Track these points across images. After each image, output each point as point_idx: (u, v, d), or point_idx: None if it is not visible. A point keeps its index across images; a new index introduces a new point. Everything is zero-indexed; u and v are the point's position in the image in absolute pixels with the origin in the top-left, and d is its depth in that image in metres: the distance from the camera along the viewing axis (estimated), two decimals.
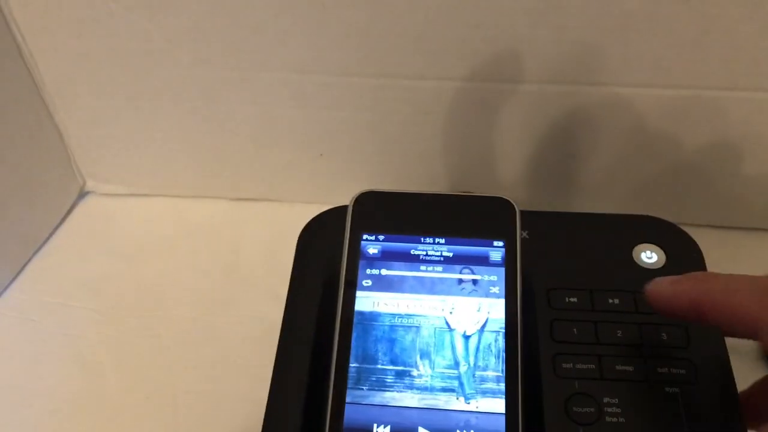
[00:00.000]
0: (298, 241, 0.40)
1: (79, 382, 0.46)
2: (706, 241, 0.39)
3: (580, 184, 0.50)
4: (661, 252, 0.38)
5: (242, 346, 0.47)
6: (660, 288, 0.31)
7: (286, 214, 0.43)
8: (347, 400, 0.32)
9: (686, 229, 0.39)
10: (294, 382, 0.34)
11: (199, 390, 0.45)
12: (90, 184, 0.57)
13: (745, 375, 0.44)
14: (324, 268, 0.37)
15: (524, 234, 0.38)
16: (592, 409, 0.32)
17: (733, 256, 0.50)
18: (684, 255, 0.38)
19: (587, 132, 0.47)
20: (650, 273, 0.37)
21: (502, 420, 0.31)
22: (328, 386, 0.32)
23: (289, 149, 0.52)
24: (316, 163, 0.52)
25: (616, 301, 0.36)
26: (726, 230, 0.52)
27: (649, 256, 0.38)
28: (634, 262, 0.38)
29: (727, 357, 0.34)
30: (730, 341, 0.44)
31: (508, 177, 0.49)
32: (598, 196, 0.50)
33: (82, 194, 0.57)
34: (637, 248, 0.38)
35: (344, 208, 0.36)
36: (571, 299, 0.36)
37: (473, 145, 0.48)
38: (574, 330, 0.35)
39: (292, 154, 0.52)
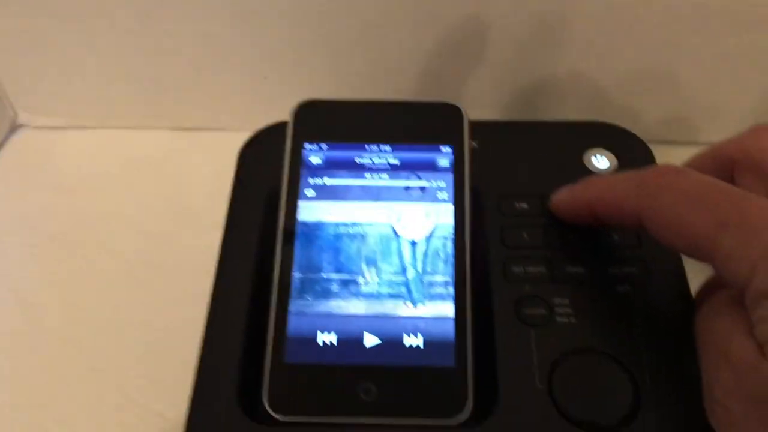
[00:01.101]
0: (238, 157, 0.38)
1: (18, 319, 0.44)
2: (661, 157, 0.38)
3: (535, 95, 0.48)
4: (612, 156, 0.37)
5: (188, 277, 0.45)
6: (560, 197, 0.33)
7: (231, 142, 0.41)
8: (291, 310, 0.31)
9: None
10: (235, 295, 0.32)
11: (144, 322, 0.44)
12: (23, 117, 0.54)
13: (697, 275, 0.45)
14: (266, 183, 0.36)
15: (474, 144, 0.37)
16: (543, 311, 0.31)
17: None
18: (635, 158, 0.37)
19: (543, 41, 0.46)
20: None
21: (451, 323, 0.31)
22: (271, 297, 0.31)
23: (231, 72, 0.49)
24: (261, 86, 0.49)
25: None
26: (680, 146, 0.52)
27: (599, 160, 0.37)
28: (585, 167, 0.37)
29: (680, 255, 0.34)
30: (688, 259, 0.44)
31: (459, 90, 0.48)
32: (552, 107, 0.49)
33: (15, 128, 0.54)
34: (587, 153, 0.37)
35: (287, 123, 0.35)
36: (522, 205, 0.35)
37: (423, 60, 0.47)
38: (525, 235, 0.34)
39: (234, 78, 0.49)
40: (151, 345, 0.43)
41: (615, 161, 0.37)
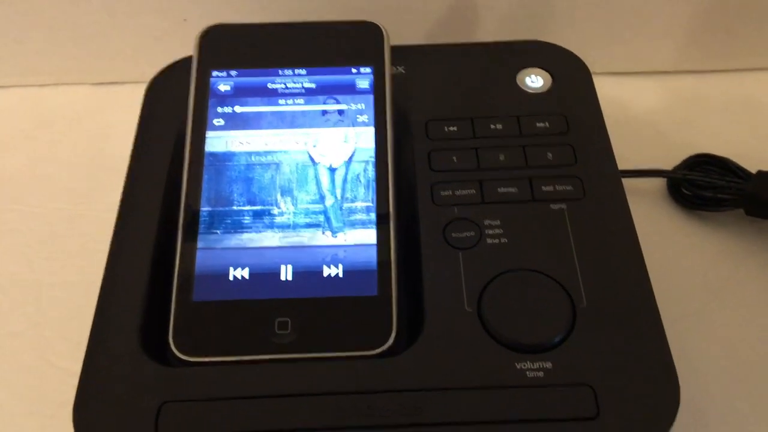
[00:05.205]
0: (145, 94, 0.35)
1: None
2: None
3: (468, 13, 0.45)
4: (547, 75, 0.35)
5: (110, 235, 0.42)
6: None
7: None
8: (199, 246, 0.29)
9: None
10: (139, 234, 0.30)
11: (63, 282, 0.41)
12: None
13: (650, 214, 0.43)
14: (175, 121, 0.33)
15: (401, 69, 0.35)
16: (472, 233, 0.29)
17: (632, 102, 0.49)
18: (571, 76, 0.35)
19: None
20: (535, 97, 0.34)
21: (373, 251, 0.28)
22: (177, 234, 0.29)
23: (148, 17, 0.46)
24: (181, 30, 0.46)
25: (499, 126, 0.33)
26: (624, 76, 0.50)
27: (534, 80, 0.35)
28: (519, 88, 0.34)
29: (617, 171, 0.32)
30: (634, 182, 0.42)
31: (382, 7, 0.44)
32: (489, 28, 0.46)
33: None
34: (521, 74, 0.35)
35: None
36: (451, 128, 0.33)
37: None
38: (454, 158, 0.32)
39: (151, 22, 0.46)
40: (73, 306, 0.40)
41: (550, 80, 0.35)
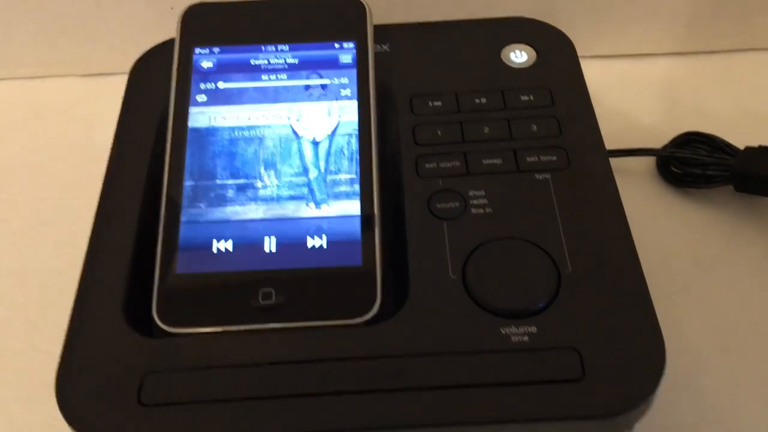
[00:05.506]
0: (129, 75, 0.35)
1: None
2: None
3: None
4: (531, 50, 0.35)
5: None
6: None
7: None
8: (183, 219, 0.28)
9: None
10: (123, 209, 0.29)
11: (50, 268, 0.41)
12: None
13: (640, 193, 0.43)
14: (159, 102, 0.33)
15: (385, 47, 0.35)
16: (457, 204, 0.29)
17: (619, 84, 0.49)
18: (555, 52, 0.35)
19: None
20: (520, 73, 0.34)
21: (357, 222, 0.28)
22: (160, 207, 0.29)
23: (135, 7, 0.46)
24: (168, 19, 0.46)
25: (484, 100, 0.33)
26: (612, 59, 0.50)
27: (518, 55, 0.35)
28: (503, 64, 0.34)
29: (602, 142, 0.31)
30: (623, 161, 0.42)
31: None
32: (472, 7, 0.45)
33: None
34: (505, 49, 0.35)
35: None
36: (435, 103, 0.33)
37: None
38: (438, 132, 0.32)
39: (139, 13, 0.46)
40: (63, 293, 0.40)
41: (534, 55, 0.35)
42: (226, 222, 0.28)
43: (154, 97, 0.33)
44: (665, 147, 0.42)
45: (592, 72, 0.37)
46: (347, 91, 0.31)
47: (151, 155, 0.31)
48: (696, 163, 0.41)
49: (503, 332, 0.25)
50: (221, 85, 0.31)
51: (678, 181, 0.42)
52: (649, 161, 0.43)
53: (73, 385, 0.25)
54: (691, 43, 0.49)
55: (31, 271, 0.41)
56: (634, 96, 0.48)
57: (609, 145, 0.33)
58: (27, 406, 0.35)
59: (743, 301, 0.38)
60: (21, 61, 0.50)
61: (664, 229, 0.41)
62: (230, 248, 0.28)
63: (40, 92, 0.50)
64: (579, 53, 0.36)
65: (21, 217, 0.43)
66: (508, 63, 0.34)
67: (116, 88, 0.51)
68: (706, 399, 0.35)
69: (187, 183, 0.29)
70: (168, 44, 0.35)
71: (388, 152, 0.31)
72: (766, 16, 0.48)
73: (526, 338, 0.25)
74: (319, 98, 0.31)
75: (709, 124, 0.43)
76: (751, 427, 0.34)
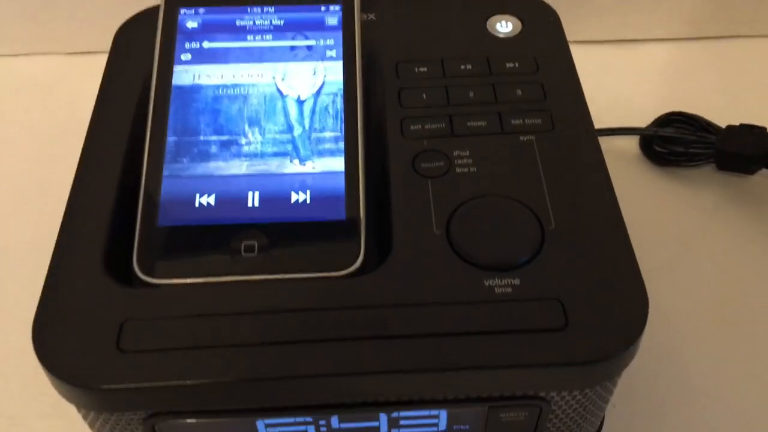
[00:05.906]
0: (113, 40, 0.35)
1: None
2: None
3: None
4: (517, 20, 0.35)
5: None
6: None
7: None
8: (165, 173, 0.28)
9: None
10: (106, 159, 0.29)
11: (32, 244, 0.40)
12: None
13: (624, 172, 0.43)
14: (142, 63, 0.32)
15: (371, 16, 0.35)
16: (441, 163, 0.29)
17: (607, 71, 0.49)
18: (540, 22, 0.35)
19: None
20: (505, 42, 0.34)
21: (341, 177, 0.28)
22: (142, 162, 0.28)
23: None
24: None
25: (469, 66, 0.33)
26: (597, 44, 0.50)
27: (504, 25, 0.35)
28: (489, 33, 0.35)
29: (586, 107, 0.32)
30: (607, 141, 0.42)
31: None
32: None
33: None
34: (491, 19, 0.35)
35: None
36: (421, 69, 0.33)
37: None
38: (424, 96, 0.32)
39: None
40: (43, 266, 0.39)
41: (520, 25, 0.35)
42: (209, 177, 0.28)
43: (139, 59, 0.33)
44: (649, 126, 0.43)
45: (577, 57, 0.38)
46: (332, 52, 0.31)
47: (135, 112, 0.31)
48: (679, 142, 0.41)
49: (486, 284, 0.25)
50: (206, 44, 0.31)
51: (661, 160, 0.42)
52: (633, 141, 0.44)
53: (50, 332, 0.24)
54: (676, 29, 0.50)
55: (12, 248, 0.41)
56: (619, 79, 0.48)
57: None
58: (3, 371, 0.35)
59: (724, 276, 0.38)
60: (4, 38, 0.50)
61: (647, 207, 0.41)
62: (212, 202, 0.28)
63: (24, 70, 0.50)
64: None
65: (2, 190, 0.43)
66: (493, 32, 0.35)
67: (100, 66, 0.50)
68: (687, 370, 0.35)
69: (170, 138, 0.29)
70: (152, 11, 0.35)
71: (373, 116, 0.31)
72: (749, 3, 0.49)
73: (509, 290, 0.25)
74: (304, 59, 0.31)
75: (693, 106, 0.43)
76: (732, 396, 0.34)
